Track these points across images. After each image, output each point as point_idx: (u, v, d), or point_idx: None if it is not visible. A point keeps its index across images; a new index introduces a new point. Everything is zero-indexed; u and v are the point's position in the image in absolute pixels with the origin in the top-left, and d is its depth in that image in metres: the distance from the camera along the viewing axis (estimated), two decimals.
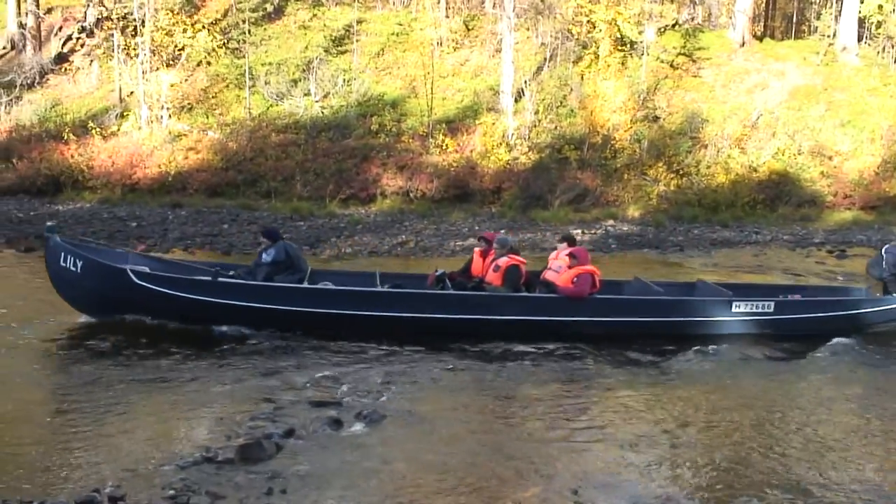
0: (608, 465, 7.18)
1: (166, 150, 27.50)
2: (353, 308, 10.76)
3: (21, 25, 32.82)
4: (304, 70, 31.14)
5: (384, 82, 31.46)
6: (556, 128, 29.17)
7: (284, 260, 11.24)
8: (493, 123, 28.91)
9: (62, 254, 10.92)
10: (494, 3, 34.71)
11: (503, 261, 11.25)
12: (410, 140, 28.47)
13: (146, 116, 28.90)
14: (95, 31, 32.60)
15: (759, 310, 11.38)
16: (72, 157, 27.02)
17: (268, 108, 29.99)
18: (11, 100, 29.96)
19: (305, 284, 11.15)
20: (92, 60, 31.97)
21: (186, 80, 30.68)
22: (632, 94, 29.85)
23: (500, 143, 28.20)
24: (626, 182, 27.45)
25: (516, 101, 29.55)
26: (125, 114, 29.37)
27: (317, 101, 29.98)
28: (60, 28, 33.65)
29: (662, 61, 31.90)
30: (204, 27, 31.53)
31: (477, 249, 11.93)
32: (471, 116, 29.57)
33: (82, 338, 10.48)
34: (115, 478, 6.52)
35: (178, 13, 31.44)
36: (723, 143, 28.61)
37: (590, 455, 7.41)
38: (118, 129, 28.71)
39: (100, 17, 32.33)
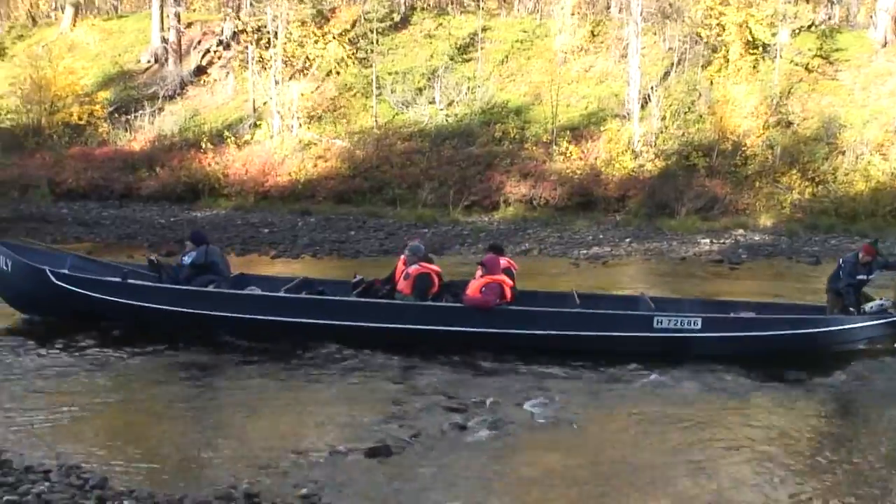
0: (743, 484, 7.05)
1: (296, 158, 28.33)
2: (247, 312, 10.82)
3: (164, 40, 34.38)
4: (429, 78, 31.55)
5: (508, 89, 31.55)
6: (683, 134, 28.63)
7: (203, 263, 11.35)
8: (619, 130, 28.60)
9: None
10: (620, 8, 34.35)
11: (413, 269, 10.97)
12: (534, 147, 28.45)
13: (278, 126, 29.84)
14: (232, 44, 33.88)
15: (684, 326, 10.61)
16: (209, 165, 28.15)
17: (393, 117, 30.52)
18: (154, 111, 31.42)
19: (211, 288, 11.14)
20: (228, 72, 33.22)
21: (316, 89, 31.52)
22: (764, 99, 29.02)
23: (626, 150, 27.88)
24: (757, 190, 26.69)
25: (642, 107, 29.16)
26: (258, 123, 30.40)
27: (441, 109, 30.32)
28: (199, 42, 35.10)
29: (797, 64, 30.87)
30: (333, 38, 32.34)
31: (402, 257, 11.53)
32: (595, 123, 29.33)
33: (202, 339, 10.74)
34: (250, 475, 6.77)
35: (308, 25, 32.33)
36: (862, 149, 27.46)
37: (733, 480, 7.28)
38: (252, 138, 29.75)
39: (236, 30, 33.58)
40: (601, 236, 22.74)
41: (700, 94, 29.95)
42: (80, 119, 30.81)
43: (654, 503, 6.59)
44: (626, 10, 32.21)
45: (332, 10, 35.06)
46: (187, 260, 11.42)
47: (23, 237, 18.77)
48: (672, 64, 31.30)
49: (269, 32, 31.44)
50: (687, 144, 28.15)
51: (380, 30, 33.03)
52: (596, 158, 27.88)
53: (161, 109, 31.70)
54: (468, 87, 31.02)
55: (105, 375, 9.49)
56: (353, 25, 33.86)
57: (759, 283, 17.18)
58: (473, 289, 10.76)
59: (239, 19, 33.74)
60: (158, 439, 7.70)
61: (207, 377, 9.61)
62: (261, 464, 7.05)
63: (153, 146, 29.81)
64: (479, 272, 11.03)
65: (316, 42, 31.97)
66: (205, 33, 35.52)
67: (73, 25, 37.23)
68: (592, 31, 33.63)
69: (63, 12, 38.46)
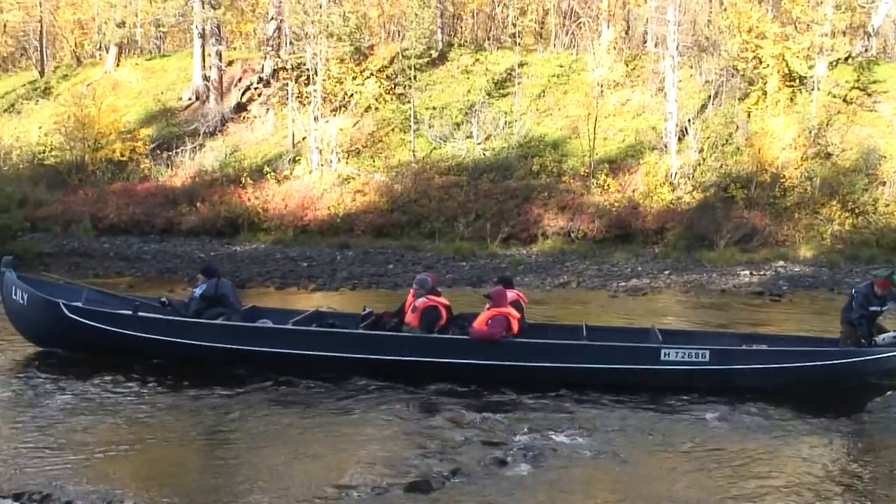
0: None
1: (335, 192, 28.58)
2: (254, 344, 10.86)
3: (205, 78, 34.98)
4: (466, 113, 31.77)
5: (545, 123, 31.67)
6: (721, 166, 28.52)
7: (213, 296, 11.43)
8: (656, 163, 28.56)
9: (13, 288, 11.53)
10: (657, 42, 34.42)
11: (421, 301, 11.00)
12: (572, 180, 28.48)
13: (317, 161, 30.15)
14: (271, 81, 34.37)
15: (692, 359, 10.45)
16: (248, 200, 28.48)
17: (431, 151, 30.72)
18: (195, 147, 31.90)
19: (219, 321, 11.19)
20: (268, 109, 33.70)
21: (355, 125, 31.84)
22: (802, 131, 28.85)
23: (664, 183, 27.81)
24: (796, 221, 26.47)
25: (680, 139, 29.11)
26: (297, 158, 30.75)
27: (479, 144, 30.48)
28: (240, 79, 35.66)
29: (835, 96, 30.71)
30: (371, 74, 32.70)
31: (411, 290, 11.56)
32: (633, 156, 29.33)
33: (230, 374, 10.75)
34: None
35: (347, 62, 32.74)
36: None
37: None
38: (291, 173, 30.09)
39: (276, 67, 34.08)
40: (640, 269, 22.64)
41: (737, 127, 29.85)
42: (122, 155, 31.37)
43: None
44: (662, 44, 32.27)
45: (371, 48, 35.50)
46: (198, 292, 11.57)
47: (59, 272, 19.11)
48: (709, 97, 31.26)
49: (308, 70, 31.86)
50: (725, 176, 28.03)
51: (417, 66, 33.35)
52: (634, 191, 27.84)
53: (202, 145, 32.18)
54: (505, 122, 31.17)
55: (137, 411, 9.54)
56: (392, 62, 34.24)
57: (801, 316, 16.99)
58: (480, 321, 10.79)
59: (279, 57, 34.25)
60: (195, 476, 7.73)
61: (240, 413, 9.63)
62: (302, 498, 7.07)
63: (194, 182, 30.24)
64: (487, 305, 11.05)
65: (354, 79, 32.34)
66: (245, 71, 36.10)
67: (117, 65, 38.00)
68: (628, 64, 33.70)
69: (107, 52, 39.28)
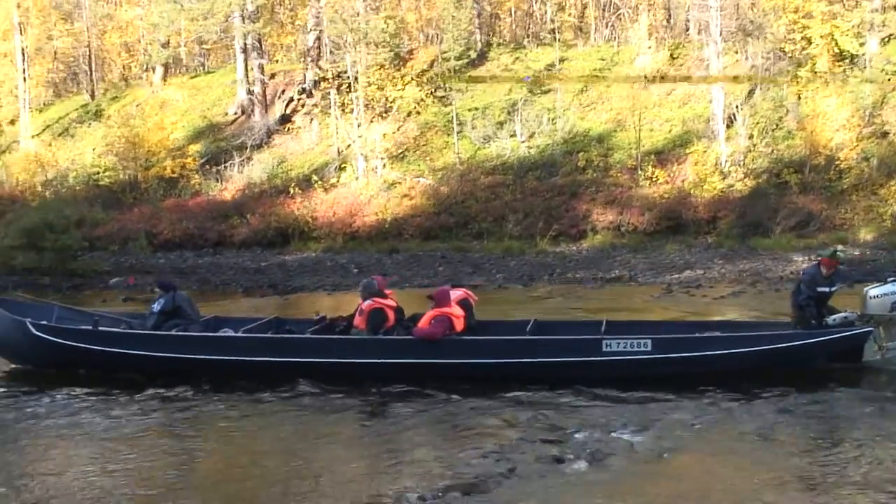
0: None
1: (382, 198, 28.67)
2: (207, 353, 11.05)
3: (249, 92, 35.36)
4: (508, 112, 31.66)
5: (589, 118, 31.43)
6: (772, 151, 28.04)
7: (171, 309, 11.76)
8: (705, 151, 28.19)
9: None
10: (700, 29, 33.99)
11: (367, 304, 11.16)
12: (619, 174, 28.23)
13: (363, 167, 30.28)
14: (314, 91, 34.60)
15: (634, 349, 10.31)
16: (297, 209, 28.69)
17: (475, 152, 30.67)
18: (243, 160, 32.24)
19: (174, 332, 11.45)
20: (312, 119, 33.94)
21: (398, 130, 31.92)
22: (856, 111, 28.22)
23: (714, 171, 27.43)
24: (854, 204, 25.89)
25: (728, 126, 28.68)
26: (343, 166, 30.92)
27: (523, 142, 30.36)
28: (283, 91, 35.98)
29: (888, 73, 29.99)
30: (412, 80, 32.75)
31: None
32: (680, 146, 28.97)
33: (266, 385, 10.74)
34: None
35: (387, 68, 32.82)
36: None
37: None
38: (338, 181, 30.26)
39: (317, 78, 34.30)
40: (692, 259, 22.35)
41: (788, 110, 29.32)
42: (173, 172, 31.81)
43: None
44: (705, 30, 31.85)
45: (410, 52, 35.57)
46: (157, 307, 11.87)
47: (118, 289, 19.41)
48: (756, 81, 30.74)
49: (349, 78, 32.03)
50: (777, 161, 27.55)
51: (457, 68, 33.32)
52: (683, 181, 27.50)
53: (249, 158, 32.51)
54: (548, 118, 31.00)
55: (189, 427, 9.63)
56: (432, 65, 34.26)
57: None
58: (423, 321, 10.94)
59: (319, 68, 34.48)
60: (255, 485, 7.76)
61: (289, 421, 9.64)
62: (361, 500, 7.06)
63: (243, 194, 30.56)
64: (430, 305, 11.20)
65: (395, 84, 32.43)
66: (288, 83, 36.40)
67: (164, 84, 38.58)
68: (672, 55, 33.31)
69: (153, 72, 39.90)
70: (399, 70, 33.23)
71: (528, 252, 24.63)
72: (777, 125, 29.07)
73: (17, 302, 13.13)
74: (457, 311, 11.01)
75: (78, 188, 32.45)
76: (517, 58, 35.20)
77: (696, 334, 11.07)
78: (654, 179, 27.46)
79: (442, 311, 10.89)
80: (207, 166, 32.47)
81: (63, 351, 11.42)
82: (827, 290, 10.97)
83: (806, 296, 10.92)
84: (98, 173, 33.29)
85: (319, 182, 29.95)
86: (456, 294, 11.42)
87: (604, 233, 25.99)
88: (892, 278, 11.20)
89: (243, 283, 21.91)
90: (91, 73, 42.33)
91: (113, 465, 8.16)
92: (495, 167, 29.60)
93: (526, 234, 26.15)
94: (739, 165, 27.63)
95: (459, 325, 10.94)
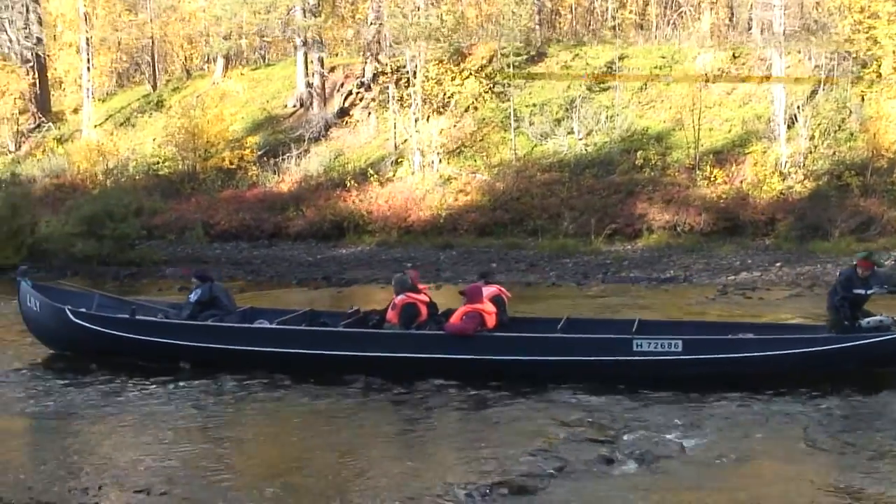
0: None
1: (437, 192, 28.73)
2: (240, 344, 11.25)
3: (308, 85, 35.65)
4: (566, 109, 31.50)
5: (648, 116, 31.14)
6: (833, 153, 27.52)
7: (208, 300, 11.92)
8: (764, 152, 27.76)
9: (28, 296, 12.24)
10: (762, 28, 33.47)
11: (399, 299, 11.26)
12: (677, 173, 27.94)
13: (419, 162, 30.38)
14: (372, 85, 34.78)
15: (665, 349, 10.25)
16: (353, 203, 28.88)
17: (532, 148, 30.58)
18: (301, 153, 32.55)
19: (209, 322, 11.66)
20: (370, 112, 34.11)
21: (455, 125, 31.94)
22: None
23: (773, 172, 27.01)
24: None
25: (789, 127, 28.21)
26: (399, 160, 31.04)
27: (580, 139, 30.20)
28: (342, 85, 36.21)
29: None
30: (470, 74, 32.75)
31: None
32: (740, 146, 28.56)
33: (318, 379, 10.87)
34: None
35: (446, 63, 32.87)
36: None
37: None
38: (394, 175, 30.38)
39: (376, 72, 34.48)
40: (749, 261, 22.06)
41: (851, 112, 28.76)
42: (231, 164, 32.20)
43: None
44: (767, 29, 31.36)
45: (469, 47, 35.55)
46: (193, 297, 12.06)
47: (174, 278, 19.75)
48: (819, 82, 30.20)
49: (407, 72, 32.14)
50: (838, 164, 27.04)
51: (516, 63, 33.22)
52: (742, 182, 27.13)
53: (307, 151, 32.79)
54: (607, 116, 30.79)
55: (255, 414, 9.81)
56: (490, 61, 34.20)
57: None
58: (455, 317, 10.99)
59: (378, 62, 34.65)
60: (303, 475, 7.86)
61: (333, 413, 9.76)
62: (408, 496, 7.12)
63: (300, 187, 30.83)
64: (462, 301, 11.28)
65: (453, 79, 32.46)
66: (347, 76, 36.62)
67: (224, 76, 39.09)
68: (734, 54, 32.87)
69: (215, 64, 40.44)
70: (458, 65, 33.25)
71: (583, 250, 24.50)
72: (839, 127, 28.52)
73: (58, 289, 13.52)
74: (489, 307, 11.10)
75: (137, 177, 33.01)
76: (576, 55, 34.97)
77: (729, 336, 11.00)
78: (712, 179, 27.12)
79: (474, 307, 10.97)
80: (265, 158, 32.80)
81: (100, 338, 11.77)
82: (863, 292, 10.80)
83: (841, 297, 10.77)
84: (157, 163, 33.85)
85: (375, 176, 30.10)
86: (489, 290, 11.52)
87: (659, 232, 25.74)
88: None
89: (298, 275, 22.16)
90: (153, 64, 43.01)
91: (159, 453, 8.37)
92: (552, 164, 29.46)
93: (581, 233, 26.00)
94: (799, 167, 27.17)
95: (491, 321, 11.02)
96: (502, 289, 12.10)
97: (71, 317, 11.89)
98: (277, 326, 11.80)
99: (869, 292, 10.83)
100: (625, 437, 8.47)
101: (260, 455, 8.59)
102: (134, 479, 7.59)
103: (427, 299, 11.58)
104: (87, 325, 11.83)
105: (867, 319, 10.63)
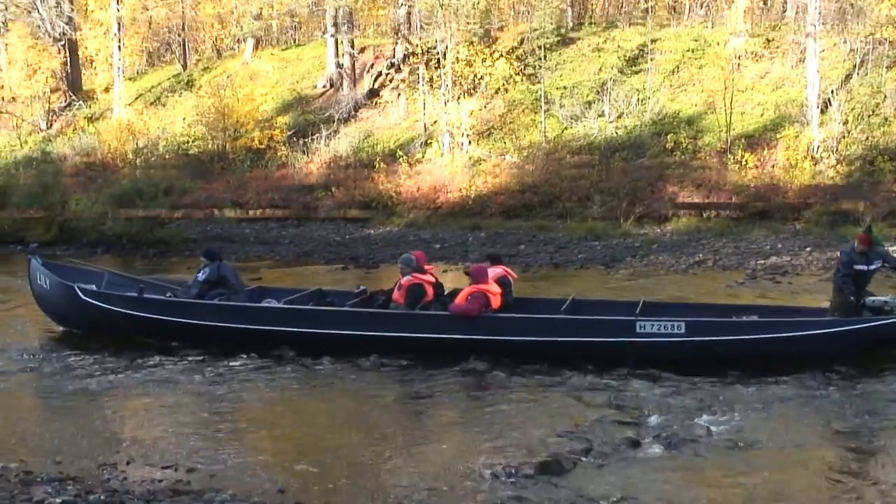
0: None
1: (466, 175, 28.68)
2: (246, 322, 11.34)
3: (338, 66, 35.67)
4: (597, 92, 31.29)
5: (679, 99, 30.87)
6: (867, 138, 27.15)
7: (216, 279, 11.97)
8: (797, 136, 27.44)
9: (38, 274, 12.38)
10: (797, 11, 33.00)
11: (406, 279, 11.32)
12: (707, 157, 27.71)
13: (448, 144, 30.33)
14: (402, 66, 34.72)
15: (668, 331, 10.28)
16: (382, 184, 28.91)
17: (562, 131, 30.42)
18: (330, 133, 32.60)
19: (216, 301, 11.74)
20: (399, 94, 34.07)
21: (485, 107, 31.85)
22: None
23: (805, 157, 26.69)
24: None
25: (822, 111, 27.86)
26: (429, 142, 31.00)
27: (610, 122, 29.99)
28: (372, 65, 36.18)
29: None
30: (501, 56, 32.59)
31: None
32: (772, 130, 28.25)
33: (369, 362, 10.88)
34: (423, 489, 6.87)
35: (476, 45, 32.73)
36: None
37: None
38: (423, 157, 30.36)
39: (406, 53, 34.41)
40: (779, 246, 21.83)
41: (885, 97, 28.34)
42: (260, 144, 32.32)
43: None
44: (802, 12, 30.92)
45: (500, 29, 35.38)
46: (201, 276, 12.12)
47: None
48: (854, 66, 29.78)
49: (437, 54, 32.04)
50: (872, 149, 26.67)
51: (547, 46, 33.01)
52: (773, 166, 26.86)
53: (336, 132, 32.84)
54: (638, 99, 30.55)
55: (278, 392, 9.88)
56: (521, 43, 34.01)
57: None
58: (460, 298, 11.07)
59: (409, 42, 34.56)
60: (328, 454, 7.89)
61: (364, 394, 9.80)
62: (433, 477, 7.13)
63: (329, 167, 30.91)
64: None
65: (484, 61, 32.32)
66: (377, 57, 36.58)
67: (254, 56, 39.18)
68: (767, 38, 32.47)
69: (245, 44, 40.54)
70: (489, 47, 33.09)
71: (612, 234, 24.35)
72: (873, 111, 28.13)
73: (68, 267, 13.73)
74: (494, 287, 11.17)
75: (167, 157, 33.24)
76: (608, 38, 34.70)
77: (733, 318, 11.00)
78: (743, 164, 26.87)
79: (479, 287, 11.06)
80: (294, 139, 32.89)
81: (108, 316, 11.92)
82: (865, 268, 10.77)
83: (843, 274, 10.74)
84: (187, 142, 34.05)
85: (404, 157, 30.10)
86: (494, 272, 11.63)
87: (689, 216, 25.55)
88: None
89: (326, 256, 22.23)
90: (184, 44, 43.21)
91: (182, 430, 8.47)
92: (581, 147, 29.28)
93: (610, 216, 25.84)
94: (832, 152, 26.83)
95: (496, 302, 11.10)
96: (508, 270, 12.22)
97: (80, 295, 12.05)
98: (284, 306, 11.88)
99: (871, 268, 10.81)
100: (651, 420, 8.44)
101: (282, 434, 8.65)
102: (159, 455, 7.68)
103: (433, 280, 11.66)
104: (97, 303, 12.01)
105: (872, 299, 10.61)
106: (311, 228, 27.07)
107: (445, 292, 11.75)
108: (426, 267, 11.84)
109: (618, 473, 7.18)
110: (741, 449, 7.77)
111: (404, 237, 24.89)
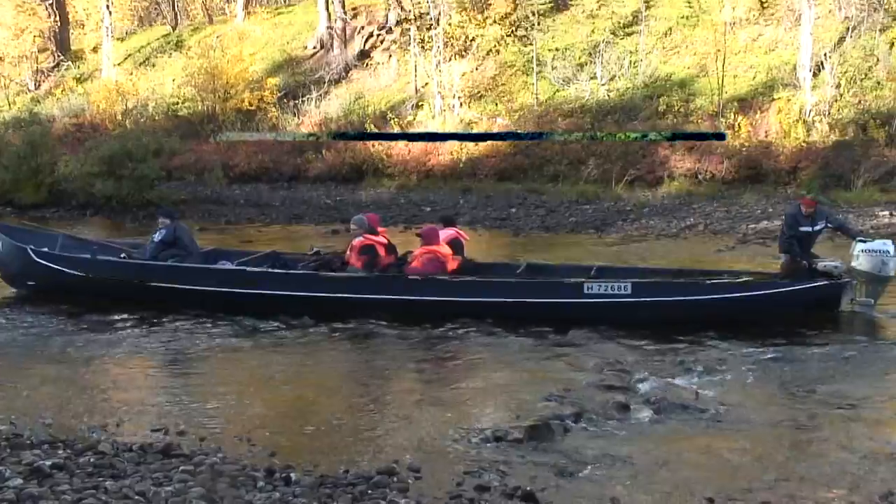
0: None
1: None
2: (198, 284, 11.38)
3: (329, 27, 35.33)
4: (590, 54, 31.08)
5: (672, 62, 30.69)
6: (859, 102, 27.07)
7: (171, 240, 12.00)
8: (789, 100, 27.36)
9: None
10: None
11: (357, 241, 11.39)
12: (700, 121, 27.62)
13: (439, 106, 30.16)
14: (393, 28, 34.42)
15: (613, 292, 10.45)
16: (373, 146, 28.78)
17: (554, 94, 30.27)
18: (320, 95, 32.38)
19: (169, 262, 11.84)
20: (391, 55, 33.81)
21: (476, 68, 31.65)
22: None
23: (797, 121, 26.63)
24: None
25: (815, 75, 27.75)
26: (420, 104, 30.83)
27: (603, 85, 29.84)
28: (363, 27, 35.84)
29: None
30: (494, 22, 32.31)
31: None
32: (764, 94, 28.13)
33: (356, 326, 10.91)
34: (412, 452, 6.90)
35: (469, 10, 32.39)
36: None
37: None
38: (414, 119, 30.20)
39: (399, 19, 34.08)
40: (770, 210, 21.86)
41: (878, 60, 28.23)
42: (250, 105, 32.08)
43: (830, 496, 6.25)
44: None
45: None
46: (157, 237, 12.17)
47: (193, 219, 19.81)
48: (847, 29, 29.62)
49: (431, 19, 31.75)
50: (864, 113, 26.61)
51: (541, 12, 32.71)
52: (765, 130, 26.81)
53: (327, 93, 32.62)
54: (630, 61, 30.37)
55: (266, 354, 9.89)
56: (515, 8, 33.66)
57: None
58: (415, 260, 11.19)
59: (401, 8, 34.22)
60: (317, 418, 7.92)
61: (361, 357, 9.85)
62: (423, 440, 7.16)
63: (319, 129, 30.72)
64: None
65: (477, 26, 32.03)
66: (369, 21, 36.22)
67: (245, 17, 38.76)
68: (762, 3, 32.23)
69: (235, 5, 40.10)
70: (482, 12, 32.77)
71: (603, 197, 24.34)
72: (866, 75, 28.02)
73: (20, 228, 13.82)
74: (444, 249, 11.30)
75: (157, 118, 32.98)
76: (602, 4, 34.37)
77: (680, 280, 11.17)
78: (735, 127, 26.80)
79: (430, 248, 11.19)
80: (285, 100, 32.65)
81: (62, 277, 11.95)
82: (810, 229, 11.05)
83: (788, 235, 10.99)
84: (177, 104, 33.78)
85: (396, 119, 29.94)
86: (446, 233, 11.74)
87: (681, 180, 25.51)
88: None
89: (316, 218, 22.19)
90: (174, 4, 42.72)
91: (170, 394, 8.54)
92: (573, 110, 29.16)
93: (602, 179, 25.80)
94: (825, 115, 26.76)
95: (451, 264, 11.23)
96: (461, 232, 12.36)
97: (33, 256, 12.10)
98: (237, 268, 11.91)
99: (815, 228, 11.07)
100: (640, 385, 8.47)
101: (271, 398, 8.66)
102: (148, 418, 7.71)
103: (385, 241, 11.71)
104: (50, 264, 12.05)
105: (823, 263, 10.79)
106: (302, 191, 26.98)
107: (399, 254, 11.83)
108: (379, 229, 11.87)
109: (606, 439, 7.22)
110: (728, 412, 7.81)
111: (395, 199, 24.87)
